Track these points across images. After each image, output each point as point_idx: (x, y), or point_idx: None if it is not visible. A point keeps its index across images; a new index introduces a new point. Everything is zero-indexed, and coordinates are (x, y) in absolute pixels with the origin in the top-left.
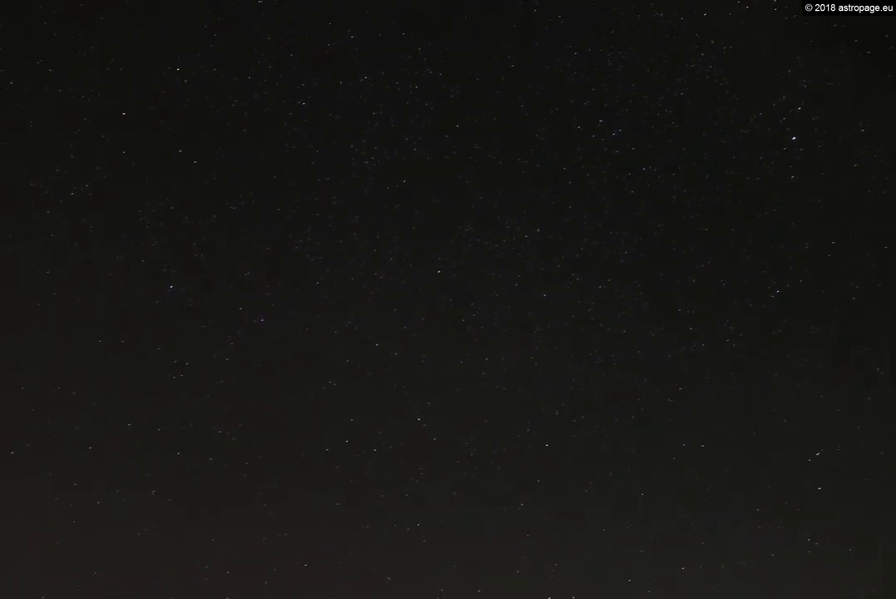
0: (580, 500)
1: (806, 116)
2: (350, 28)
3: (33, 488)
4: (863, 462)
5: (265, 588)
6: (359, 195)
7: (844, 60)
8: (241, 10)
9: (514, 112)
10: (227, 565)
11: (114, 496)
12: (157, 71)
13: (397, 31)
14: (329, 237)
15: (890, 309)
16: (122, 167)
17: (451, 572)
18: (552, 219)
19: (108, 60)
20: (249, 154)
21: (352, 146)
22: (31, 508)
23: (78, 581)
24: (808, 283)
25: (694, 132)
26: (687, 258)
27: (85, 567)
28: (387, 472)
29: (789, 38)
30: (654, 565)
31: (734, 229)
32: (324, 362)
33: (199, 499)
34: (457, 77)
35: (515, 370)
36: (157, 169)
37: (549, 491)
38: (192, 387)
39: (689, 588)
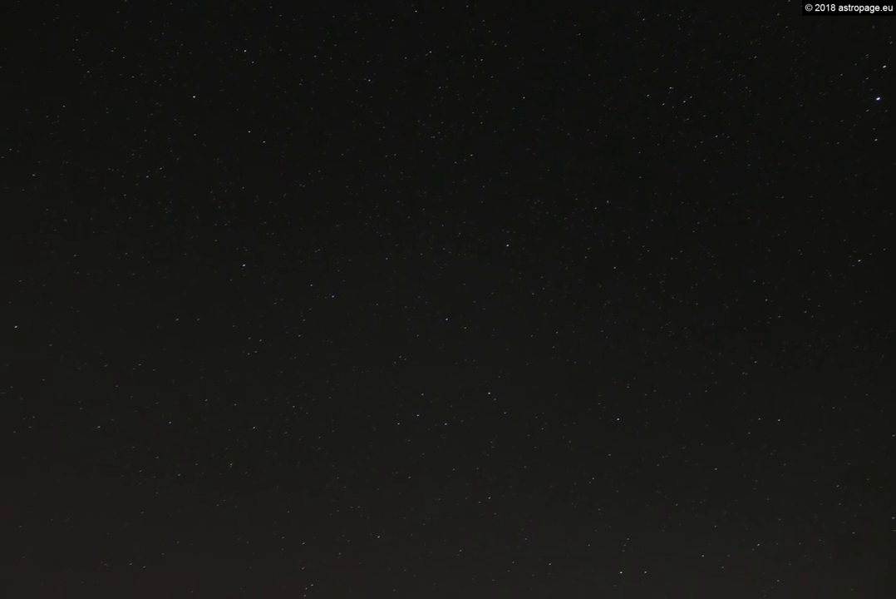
0: (651, 475)
1: (891, 76)
2: (414, 2)
3: (115, 461)
4: None
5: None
6: (426, 170)
7: None
8: None
9: (581, 81)
10: (307, 532)
11: (194, 468)
12: (224, 53)
13: (460, 4)
14: (397, 213)
15: None
16: (193, 149)
17: (522, 545)
18: (621, 191)
19: (177, 45)
20: (318, 132)
21: (418, 121)
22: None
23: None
24: None
25: (769, 98)
26: (763, 228)
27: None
28: (458, 445)
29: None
30: (731, 539)
31: (812, 196)
32: (394, 336)
33: (276, 472)
34: (522, 49)
35: (586, 343)
36: (228, 150)
37: (619, 465)
38: (266, 363)
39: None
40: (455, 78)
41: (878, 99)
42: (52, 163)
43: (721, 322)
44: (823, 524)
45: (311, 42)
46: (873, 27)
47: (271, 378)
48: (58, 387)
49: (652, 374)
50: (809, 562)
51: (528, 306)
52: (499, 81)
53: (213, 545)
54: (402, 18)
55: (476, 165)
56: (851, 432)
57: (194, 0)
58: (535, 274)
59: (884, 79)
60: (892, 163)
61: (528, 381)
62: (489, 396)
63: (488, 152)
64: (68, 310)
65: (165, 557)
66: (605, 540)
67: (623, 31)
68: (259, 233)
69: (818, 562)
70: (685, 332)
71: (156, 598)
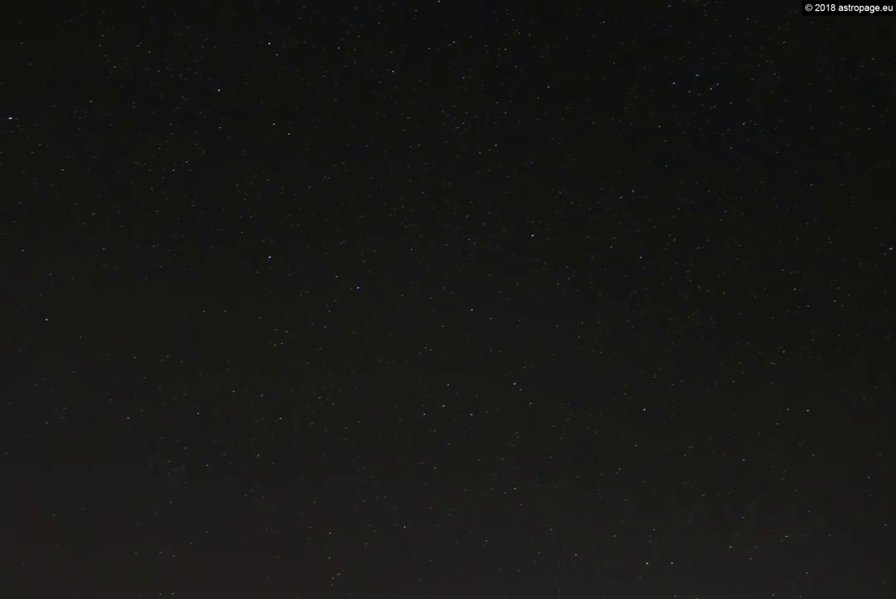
0: (678, 466)
1: None
2: None
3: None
4: None
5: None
6: (450, 161)
7: None
8: None
9: (605, 69)
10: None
11: (221, 459)
12: (248, 46)
13: None
14: (422, 204)
15: None
16: (218, 143)
17: (547, 536)
18: (647, 180)
19: (202, 38)
20: (342, 124)
21: (442, 112)
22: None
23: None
24: None
25: (798, 85)
26: (791, 217)
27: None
28: (483, 437)
29: None
30: (758, 531)
31: (842, 183)
32: (419, 328)
33: (302, 463)
34: (546, 37)
35: (611, 334)
36: (252, 143)
37: (645, 456)
38: (292, 355)
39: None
40: (478, 68)
41: None
42: (79, 158)
43: (748, 312)
44: (853, 516)
45: (334, 34)
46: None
47: (297, 370)
48: (87, 379)
49: (678, 364)
50: (839, 555)
51: (554, 297)
52: (522, 71)
53: (241, 535)
54: (425, 8)
55: (500, 155)
56: (882, 422)
57: None
58: (560, 264)
59: None
60: None
61: (554, 372)
62: (514, 386)
63: (512, 142)
64: (97, 303)
65: (193, 547)
66: (631, 531)
67: (648, 19)
68: (284, 225)
69: (848, 555)
70: (712, 321)
71: (183, 588)
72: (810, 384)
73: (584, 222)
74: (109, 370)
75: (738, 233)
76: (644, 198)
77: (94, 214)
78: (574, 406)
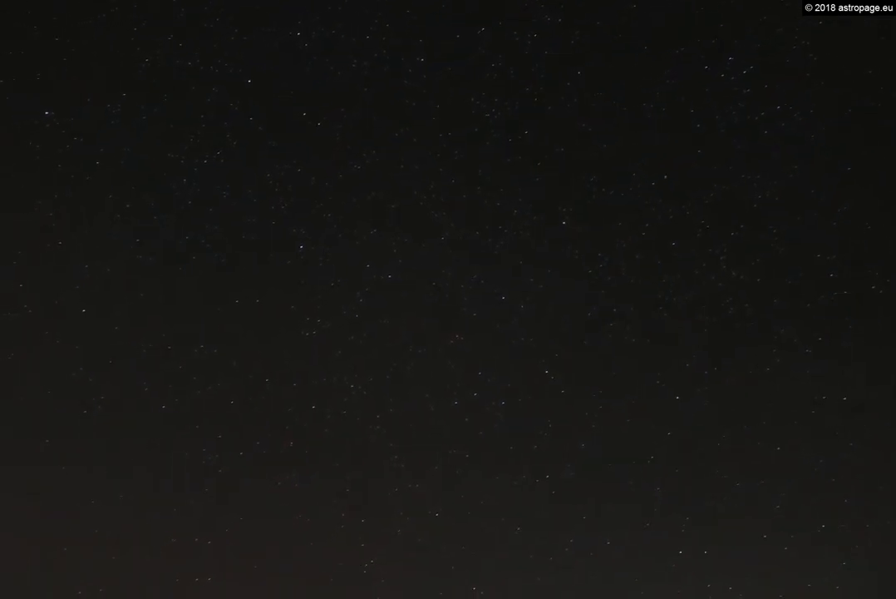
0: (712, 454)
1: None
2: None
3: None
4: None
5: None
6: (481, 148)
7: None
8: None
9: (637, 53)
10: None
11: (255, 447)
12: (277, 36)
13: None
14: (453, 192)
15: None
16: (249, 133)
17: (581, 524)
18: (680, 165)
19: (231, 30)
20: (372, 112)
21: (472, 99)
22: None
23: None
24: None
25: (834, 66)
26: (828, 201)
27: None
28: (515, 425)
29: None
30: (795, 520)
31: (882, 168)
32: (451, 316)
33: (335, 451)
34: (576, 22)
35: (645, 321)
36: (283, 133)
37: (679, 444)
38: (325, 343)
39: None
40: (508, 54)
41: None
42: (113, 151)
43: (784, 298)
44: (891, 505)
45: (363, 23)
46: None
47: (330, 359)
48: (124, 368)
49: (713, 351)
50: (876, 545)
51: (586, 284)
52: (552, 57)
53: (274, 522)
54: None
55: (530, 142)
56: None
57: None
58: (593, 251)
59: None
60: None
61: (586, 359)
62: (547, 374)
63: (543, 129)
64: (132, 294)
65: (229, 533)
66: (664, 520)
67: (679, 1)
68: (316, 214)
69: (885, 545)
70: (747, 309)
71: (220, 573)
72: (849, 371)
73: (616, 209)
74: (144, 360)
75: (774, 218)
76: (676, 184)
77: (128, 205)
78: (606, 395)
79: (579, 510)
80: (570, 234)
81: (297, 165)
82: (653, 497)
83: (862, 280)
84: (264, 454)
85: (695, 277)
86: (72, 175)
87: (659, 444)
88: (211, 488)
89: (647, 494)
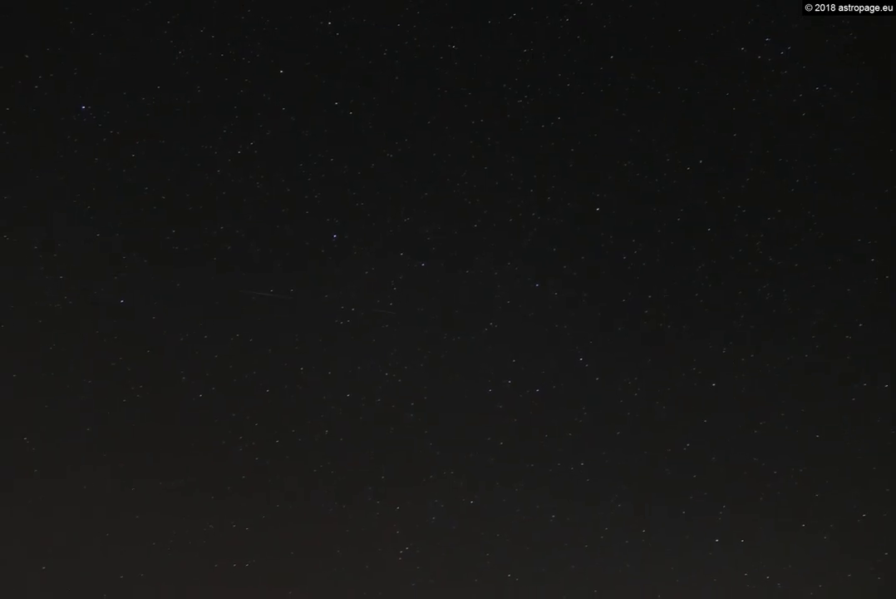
0: (749, 441)
1: None
2: None
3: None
4: None
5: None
6: (514, 135)
7: None
8: None
9: (671, 36)
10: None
11: (290, 436)
12: (309, 26)
13: None
14: (486, 179)
15: None
16: (282, 124)
17: (616, 511)
18: (714, 149)
19: (263, 21)
20: (405, 101)
21: (504, 85)
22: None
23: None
24: None
25: (876, 44)
26: (871, 186)
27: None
28: (549, 412)
29: None
30: (835, 509)
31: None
32: (485, 303)
33: (371, 439)
34: (609, 7)
35: (680, 307)
36: (316, 123)
37: (714, 431)
38: (358, 332)
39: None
40: (540, 39)
41: None
42: (149, 143)
43: (820, 284)
44: None
45: (394, 11)
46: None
47: (364, 347)
48: (161, 359)
49: (749, 338)
50: None
51: (620, 270)
52: (585, 41)
53: (310, 510)
54: None
55: (564, 127)
56: None
57: None
58: (627, 237)
59: None
60: None
61: (621, 346)
62: (581, 362)
63: (576, 115)
64: (168, 285)
65: (264, 520)
66: (700, 507)
67: None
68: (349, 203)
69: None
70: (784, 295)
71: (256, 560)
72: (886, 358)
73: (650, 195)
74: (180, 349)
75: (813, 203)
76: (711, 168)
77: (164, 197)
78: (641, 382)
79: (614, 497)
80: (604, 220)
81: (329, 154)
82: (689, 485)
83: None
84: (300, 442)
85: (730, 262)
86: (108, 168)
87: (695, 431)
88: (247, 475)
89: (683, 482)
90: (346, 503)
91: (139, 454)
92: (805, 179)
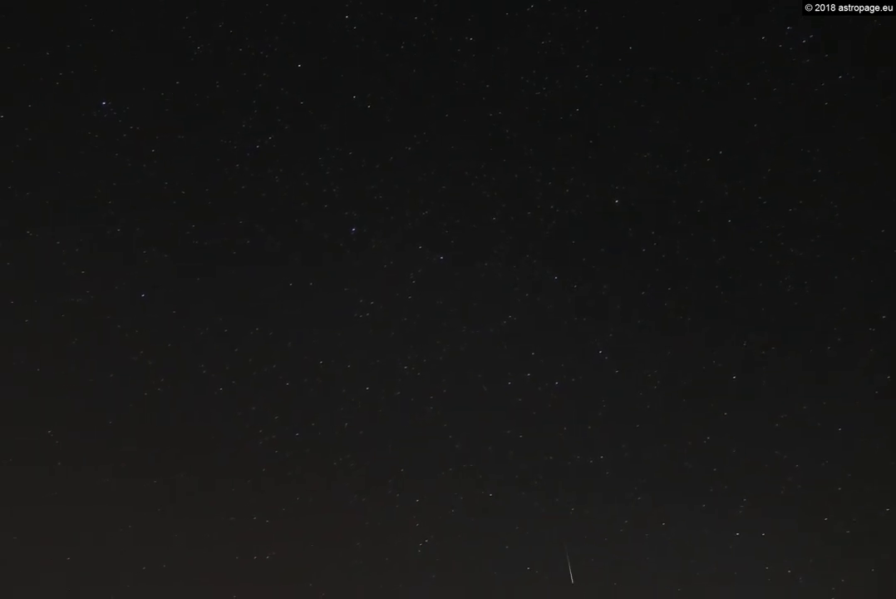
0: (771, 435)
1: None
2: None
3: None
4: None
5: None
6: (532, 128)
7: None
8: None
9: (691, 25)
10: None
11: (310, 429)
12: (328, 20)
13: None
14: (504, 172)
15: None
16: (300, 117)
17: (636, 505)
18: (735, 140)
19: (280, 16)
20: (423, 94)
21: (522, 78)
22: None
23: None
24: None
25: None
26: (890, 176)
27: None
28: (569, 405)
29: None
30: (857, 502)
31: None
32: (504, 297)
33: (390, 432)
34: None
35: (700, 300)
36: (334, 116)
37: (735, 425)
38: (377, 325)
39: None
40: (558, 31)
41: None
42: (168, 138)
43: (843, 276)
44: None
45: (411, 5)
46: None
47: (383, 340)
48: (182, 352)
49: (770, 330)
50: None
51: (639, 262)
52: (603, 33)
53: (330, 502)
54: None
55: (582, 119)
56: None
57: None
58: (646, 229)
59: None
60: None
61: (641, 339)
62: (600, 355)
63: (595, 107)
64: (188, 278)
65: (286, 512)
66: (720, 500)
67: None
68: (368, 197)
69: None
70: (805, 286)
71: (277, 552)
72: None
73: (670, 186)
74: (202, 343)
75: (836, 194)
76: (731, 159)
77: (183, 192)
78: (661, 374)
79: (634, 491)
80: (623, 213)
81: (347, 148)
82: (709, 478)
83: None
84: (320, 435)
85: (751, 254)
86: (128, 163)
87: (715, 424)
88: (267, 467)
89: (704, 475)
90: (365, 496)
91: (160, 447)
92: (826, 170)
